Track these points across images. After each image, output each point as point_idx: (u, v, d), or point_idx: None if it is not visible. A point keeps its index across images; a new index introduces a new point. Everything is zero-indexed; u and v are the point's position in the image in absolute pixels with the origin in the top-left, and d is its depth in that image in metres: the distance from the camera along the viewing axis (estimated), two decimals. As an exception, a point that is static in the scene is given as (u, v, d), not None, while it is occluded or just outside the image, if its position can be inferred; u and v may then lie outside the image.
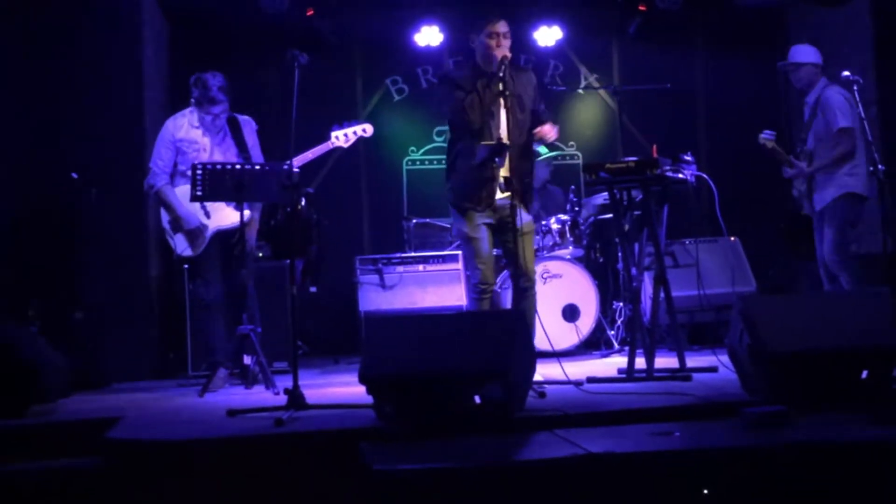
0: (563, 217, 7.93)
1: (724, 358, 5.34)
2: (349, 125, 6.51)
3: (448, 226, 8.01)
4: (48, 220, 7.32)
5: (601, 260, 8.43)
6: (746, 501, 3.57)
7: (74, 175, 7.07)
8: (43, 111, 7.41)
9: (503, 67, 5.50)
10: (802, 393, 4.41)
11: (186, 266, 7.03)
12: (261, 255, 7.59)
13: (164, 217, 6.43)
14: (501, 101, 5.50)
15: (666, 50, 9.50)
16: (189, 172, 5.95)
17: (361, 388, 4.48)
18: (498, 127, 5.61)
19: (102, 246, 7.30)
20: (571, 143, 9.85)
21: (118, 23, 7.54)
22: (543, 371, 5.47)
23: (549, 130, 5.70)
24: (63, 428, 4.95)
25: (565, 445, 3.81)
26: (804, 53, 6.73)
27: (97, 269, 7.30)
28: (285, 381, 5.25)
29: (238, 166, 5.80)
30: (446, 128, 6.00)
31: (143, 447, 4.28)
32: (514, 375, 4.33)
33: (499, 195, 5.68)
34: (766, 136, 6.62)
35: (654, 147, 5.88)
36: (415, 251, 8.22)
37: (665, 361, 5.91)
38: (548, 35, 9.52)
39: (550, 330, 6.10)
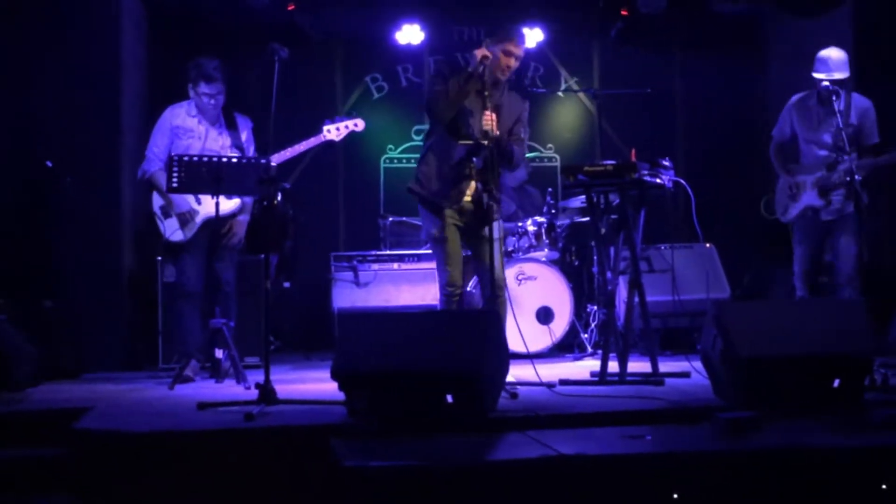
0: (540, 219, 7.93)
1: (697, 364, 5.35)
2: (340, 119, 6.58)
3: (424, 225, 7.99)
4: (20, 208, 7.24)
5: (576, 263, 8.42)
6: (716, 506, 3.59)
7: (49, 163, 7.02)
8: (18, 99, 7.32)
9: (482, 68, 5.50)
10: (774, 399, 4.44)
11: (160, 258, 6.99)
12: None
13: (157, 202, 6.41)
14: (481, 102, 5.50)
15: (646, 54, 9.53)
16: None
17: (333, 385, 4.47)
18: (478, 126, 5.59)
19: (76, 235, 7.24)
20: (549, 145, 9.85)
21: (96, 11, 7.45)
22: (516, 372, 5.47)
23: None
24: (31, 417, 4.93)
25: (537, 446, 3.81)
26: (846, 63, 6.51)
27: (70, 258, 7.23)
28: (257, 376, 5.22)
29: (215, 158, 5.78)
30: (425, 126, 5.98)
31: (112, 438, 4.25)
32: (485, 375, 4.33)
33: (467, 196, 5.67)
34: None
35: (633, 151, 5.88)
36: (390, 249, 8.19)
37: (638, 366, 5.92)
38: (529, 37, 9.50)
39: (524, 332, 6.10)
